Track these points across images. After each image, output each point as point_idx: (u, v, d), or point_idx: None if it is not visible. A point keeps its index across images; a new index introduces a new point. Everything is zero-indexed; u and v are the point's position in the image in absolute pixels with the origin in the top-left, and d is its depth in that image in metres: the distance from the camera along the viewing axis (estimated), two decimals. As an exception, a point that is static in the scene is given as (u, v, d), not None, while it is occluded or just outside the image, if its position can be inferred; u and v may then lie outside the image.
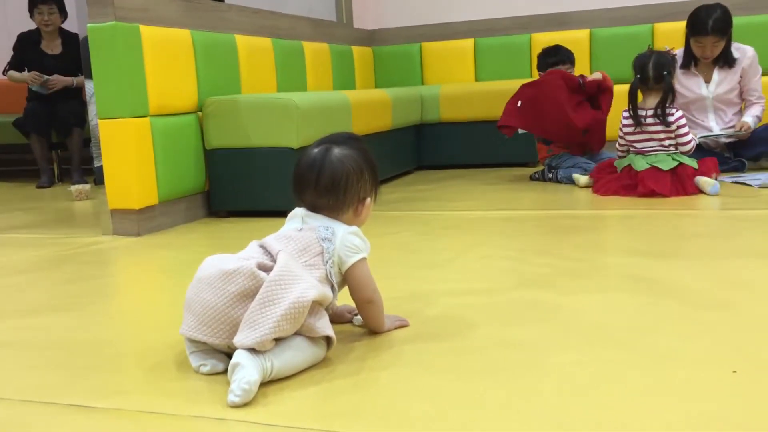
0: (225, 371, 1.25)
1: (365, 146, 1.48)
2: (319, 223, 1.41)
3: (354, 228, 1.41)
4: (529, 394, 1.15)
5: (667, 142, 3.13)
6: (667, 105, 3.12)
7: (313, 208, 1.43)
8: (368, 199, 1.46)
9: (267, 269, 1.27)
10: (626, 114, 3.20)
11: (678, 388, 1.15)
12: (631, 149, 3.21)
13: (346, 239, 1.38)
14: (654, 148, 3.15)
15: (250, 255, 1.34)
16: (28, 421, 1.17)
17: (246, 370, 1.17)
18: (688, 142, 3.13)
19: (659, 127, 3.13)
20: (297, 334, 1.26)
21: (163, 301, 1.92)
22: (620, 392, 1.14)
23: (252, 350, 1.20)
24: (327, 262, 1.36)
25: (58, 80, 4.66)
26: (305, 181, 1.42)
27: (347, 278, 1.40)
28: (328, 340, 1.32)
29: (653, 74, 3.13)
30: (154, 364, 1.37)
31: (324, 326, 1.29)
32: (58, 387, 1.29)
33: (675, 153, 3.13)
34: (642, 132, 3.16)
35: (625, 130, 3.21)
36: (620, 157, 3.26)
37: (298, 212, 1.45)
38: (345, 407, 1.14)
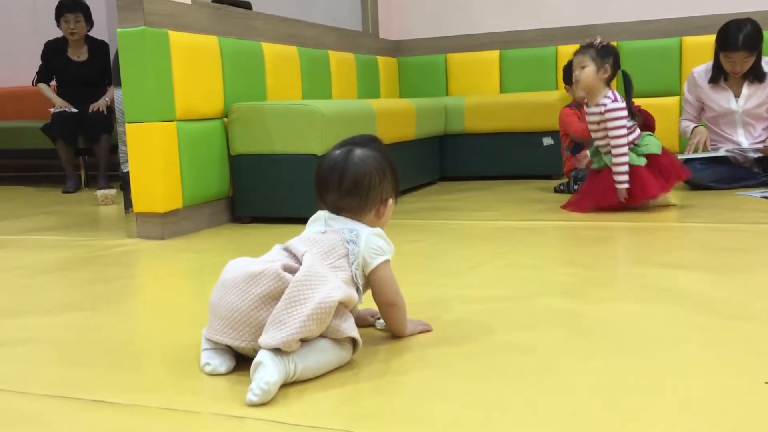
0: (227, 373, 1.26)
1: (386, 148, 1.48)
2: (343, 225, 1.40)
3: (378, 230, 1.40)
4: (550, 398, 1.13)
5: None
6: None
7: (336, 210, 1.43)
8: (390, 200, 1.46)
9: (292, 271, 1.27)
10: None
11: (705, 398, 1.12)
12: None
13: (371, 241, 1.37)
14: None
15: (274, 258, 1.33)
16: (50, 415, 1.17)
17: (267, 370, 1.16)
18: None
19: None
20: (322, 336, 1.25)
21: (185, 302, 1.93)
22: (645, 400, 1.12)
23: (276, 350, 1.20)
24: (352, 264, 1.35)
25: (93, 106, 4.72)
26: (328, 183, 1.42)
27: (370, 280, 1.39)
28: (353, 342, 1.31)
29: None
30: (175, 362, 1.37)
31: (350, 328, 1.28)
32: (80, 383, 1.29)
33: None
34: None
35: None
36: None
37: (321, 215, 1.44)
38: (367, 409, 1.13)
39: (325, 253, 1.34)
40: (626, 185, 2.92)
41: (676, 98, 4.37)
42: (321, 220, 1.44)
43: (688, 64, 4.20)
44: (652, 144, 3.00)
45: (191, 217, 2.92)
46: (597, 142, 3.05)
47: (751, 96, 3.60)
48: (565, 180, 3.79)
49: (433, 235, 2.66)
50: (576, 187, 3.61)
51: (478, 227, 2.84)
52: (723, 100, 3.64)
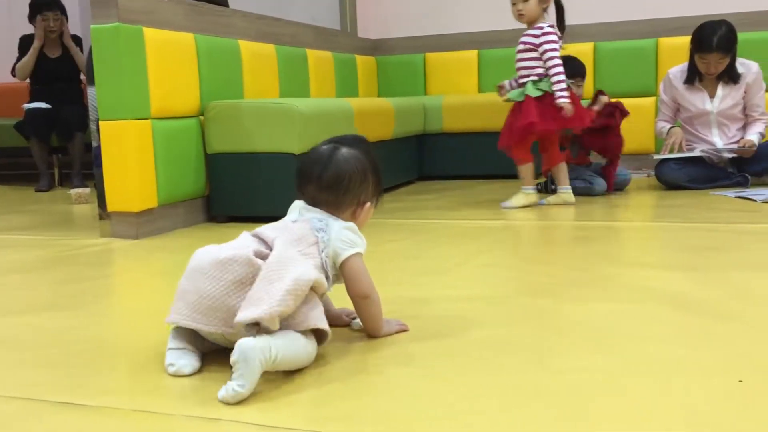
0: (190, 375, 1.25)
1: (373, 151, 1.48)
2: (313, 215, 1.40)
3: (350, 224, 1.40)
4: (528, 399, 1.13)
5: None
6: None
7: (313, 203, 1.43)
8: (368, 204, 1.45)
9: (263, 257, 1.27)
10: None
11: (681, 397, 1.12)
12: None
13: (341, 233, 1.37)
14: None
15: (243, 244, 1.33)
16: (20, 418, 1.14)
17: (247, 368, 1.13)
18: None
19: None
20: (290, 328, 1.23)
21: (159, 301, 1.89)
22: (622, 401, 1.12)
23: (256, 332, 1.18)
24: (322, 252, 1.34)
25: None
26: (308, 175, 1.42)
27: (342, 272, 1.38)
28: (321, 335, 1.29)
29: None
30: (147, 363, 1.34)
31: (318, 317, 1.27)
32: (51, 385, 1.27)
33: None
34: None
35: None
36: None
37: (297, 204, 1.45)
38: (341, 410, 1.12)
39: (295, 241, 1.33)
40: (568, 99, 3.04)
41: (652, 99, 4.40)
42: (296, 210, 1.44)
43: (664, 65, 4.23)
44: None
45: (166, 217, 2.88)
46: (520, 72, 3.18)
47: (725, 97, 3.64)
48: (542, 180, 3.80)
49: (412, 235, 2.65)
50: (553, 186, 3.62)
51: (456, 226, 2.84)
52: (698, 100, 3.68)
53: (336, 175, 1.40)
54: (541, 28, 3.10)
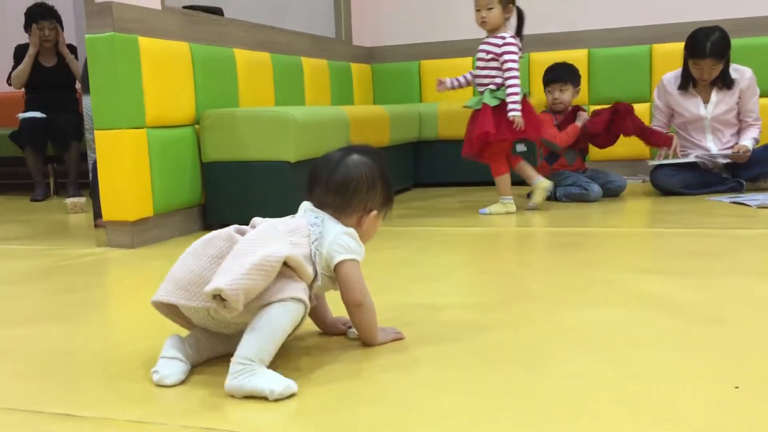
0: (174, 385, 1.25)
1: (386, 163, 1.48)
2: (314, 214, 1.41)
3: (350, 229, 1.40)
4: (525, 406, 1.13)
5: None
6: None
7: (320, 206, 1.43)
8: (374, 212, 1.45)
9: (244, 234, 1.30)
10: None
11: (678, 404, 1.12)
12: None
13: (339, 237, 1.37)
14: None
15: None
16: (14, 429, 1.14)
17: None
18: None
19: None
20: (265, 299, 1.23)
21: (152, 313, 1.88)
22: (618, 407, 1.12)
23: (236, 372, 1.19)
24: (313, 243, 1.34)
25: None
26: (317, 177, 1.44)
27: (336, 277, 1.38)
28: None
29: None
30: (143, 373, 1.34)
31: (295, 288, 1.25)
32: (45, 395, 1.26)
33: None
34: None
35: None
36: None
37: (304, 205, 1.46)
38: (336, 418, 1.11)
39: (288, 232, 1.34)
40: (519, 113, 3.08)
41: (647, 105, 4.42)
42: (302, 209, 1.45)
43: (658, 71, 4.25)
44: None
45: (162, 225, 2.88)
46: (478, 80, 3.21)
47: (719, 102, 3.65)
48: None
49: (407, 242, 2.65)
50: (549, 193, 3.63)
51: (451, 234, 2.84)
52: (692, 106, 3.69)
53: (343, 179, 1.41)
54: (504, 38, 3.13)
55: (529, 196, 3.73)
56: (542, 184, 3.28)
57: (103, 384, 1.32)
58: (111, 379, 1.35)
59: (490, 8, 3.10)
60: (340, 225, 1.40)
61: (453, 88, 3.34)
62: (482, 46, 3.20)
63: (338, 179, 1.41)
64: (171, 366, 1.28)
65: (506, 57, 3.11)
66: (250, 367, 1.19)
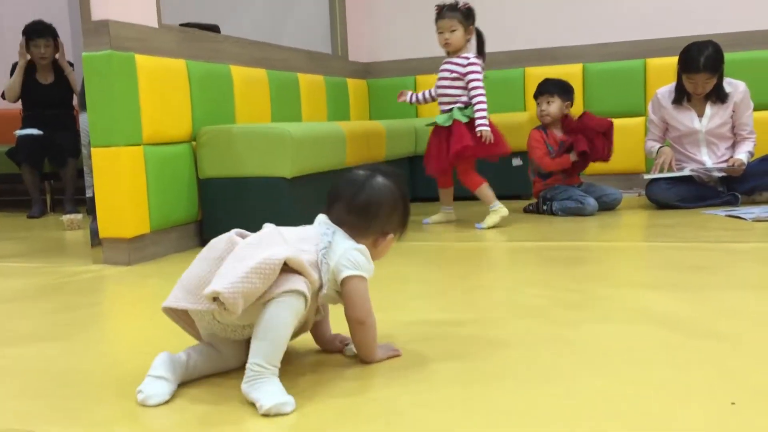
0: (157, 405, 1.25)
1: (406, 187, 1.51)
2: (328, 227, 1.41)
3: (361, 246, 1.40)
4: (519, 422, 1.13)
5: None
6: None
7: (338, 222, 1.43)
8: (391, 235, 1.47)
9: (245, 237, 1.32)
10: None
11: (676, 420, 1.12)
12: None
13: (349, 253, 1.37)
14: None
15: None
16: (8, 450, 1.13)
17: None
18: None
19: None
20: (267, 298, 1.23)
21: (150, 329, 1.89)
22: (614, 423, 1.11)
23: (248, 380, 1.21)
24: (320, 251, 1.35)
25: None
26: (340, 195, 1.45)
27: (342, 292, 1.38)
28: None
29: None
30: (136, 392, 1.33)
31: (295, 281, 1.24)
32: (39, 416, 1.26)
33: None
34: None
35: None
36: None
37: (320, 218, 1.46)
38: (335, 437, 1.11)
39: (298, 239, 1.36)
40: (488, 127, 3.19)
41: (641, 119, 4.44)
42: (317, 221, 1.45)
43: (653, 85, 4.27)
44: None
45: (159, 242, 2.88)
46: (442, 99, 3.33)
47: (713, 116, 3.67)
48: (533, 200, 3.82)
49: (403, 257, 2.65)
50: (545, 207, 3.64)
51: (447, 248, 2.84)
52: (687, 120, 3.71)
53: (367, 201, 1.42)
54: (468, 58, 3.26)
55: (525, 210, 3.74)
56: (502, 211, 3.30)
57: (96, 404, 1.31)
58: (104, 399, 1.34)
59: (453, 30, 3.24)
60: (351, 240, 1.40)
61: (411, 102, 3.49)
62: (446, 66, 3.33)
63: (362, 201, 1.42)
64: (155, 386, 1.27)
65: (471, 76, 3.23)
66: (261, 373, 1.22)
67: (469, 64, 3.24)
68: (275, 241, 1.30)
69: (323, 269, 1.35)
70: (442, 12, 3.27)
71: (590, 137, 3.57)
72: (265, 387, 1.20)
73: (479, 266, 2.51)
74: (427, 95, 3.47)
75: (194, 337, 1.40)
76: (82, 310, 2.08)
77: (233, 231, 1.35)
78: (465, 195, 3.61)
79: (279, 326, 1.24)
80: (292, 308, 1.24)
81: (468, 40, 3.30)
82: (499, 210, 3.30)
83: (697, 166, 3.67)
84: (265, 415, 1.17)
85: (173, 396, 1.29)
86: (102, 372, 1.51)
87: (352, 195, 1.43)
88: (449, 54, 3.32)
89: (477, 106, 3.21)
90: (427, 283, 2.24)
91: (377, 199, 1.43)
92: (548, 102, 3.67)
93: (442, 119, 3.31)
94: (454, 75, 3.28)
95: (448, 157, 3.27)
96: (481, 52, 3.32)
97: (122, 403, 1.30)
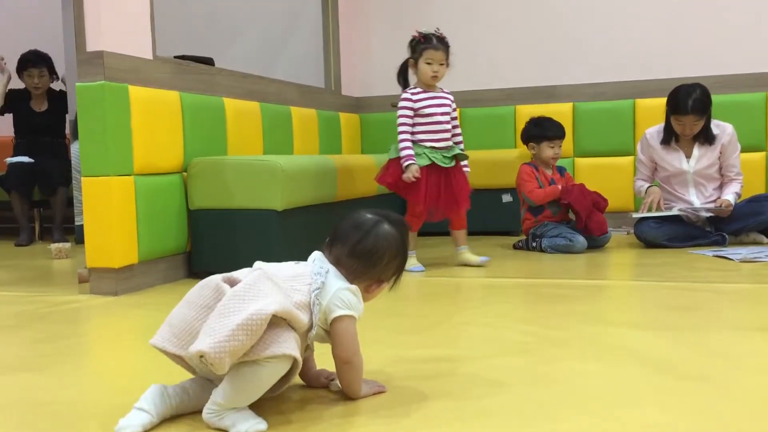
0: None
1: (407, 237, 1.51)
2: (322, 265, 1.40)
3: (353, 287, 1.40)
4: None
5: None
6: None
7: (336, 263, 1.43)
8: (384, 284, 1.48)
9: (233, 283, 1.29)
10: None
11: (660, 462, 1.12)
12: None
13: (342, 293, 1.37)
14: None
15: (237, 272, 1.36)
16: (-15, 483, 1.12)
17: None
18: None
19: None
20: (252, 356, 1.23)
21: (133, 362, 1.87)
22: (601, 465, 1.11)
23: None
24: (313, 292, 1.34)
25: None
26: (345, 237, 1.43)
27: (330, 331, 1.37)
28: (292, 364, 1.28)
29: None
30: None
31: (283, 344, 1.24)
32: (20, 448, 1.24)
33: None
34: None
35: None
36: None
37: (316, 254, 1.45)
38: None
39: (290, 277, 1.35)
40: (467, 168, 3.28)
41: (630, 158, 4.48)
42: (312, 258, 1.45)
43: (641, 125, 4.33)
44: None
45: (147, 273, 2.87)
46: (437, 135, 3.17)
47: (701, 157, 3.71)
48: (523, 237, 3.83)
49: (392, 292, 2.64)
50: (534, 244, 3.65)
51: (435, 283, 2.84)
52: (675, 160, 3.75)
53: (372, 248, 1.42)
54: (449, 93, 3.26)
55: (515, 247, 3.74)
56: (476, 260, 3.23)
57: (79, 436, 1.30)
58: (86, 431, 1.32)
59: (442, 63, 3.16)
60: (343, 281, 1.40)
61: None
62: (434, 101, 3.17)
63: (366, 247, 1.42)
64: (131, 417, 1.26)
65: (455, 114, 3.26)
66: (219, 413, 1.24)
67: (453, 101, 3.25)
68: (263, 291, 1.27)
69: (315, 310, 1.34)
70: (434, 43, 3.11)
71: (586, 207, 3.59)
72: (228, 419, 1.23)
73: (467, 302, 2.50)
74: (410, 143, 3.17)
75: (189, 372, 1.38)
76: (65, 341, 2.06)
77: (220, 276, 1.32)
78: (438, 230, 3.56)
79: (257, 388, 1.26)
80: (276, 372, 1.26)
81: None
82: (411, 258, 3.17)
83: (686, 206, 3.70)
84: None
85: (154, 428, 1.27)
86: (85, 404, 1.49)
87: (358, 240, 1.42)
88: (426, 87, 3.18)
89: (461, 145, 3.24)
90: (415, 317, 2.23)
91: (381, 246, 1.43)
92: (560, 146, 3.74)
93: (445, 160, 3.15)
94: (443, 110, 3.18)
95: (462, 200, 3.20)
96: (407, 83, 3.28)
97: (103, 437, 1.29)
